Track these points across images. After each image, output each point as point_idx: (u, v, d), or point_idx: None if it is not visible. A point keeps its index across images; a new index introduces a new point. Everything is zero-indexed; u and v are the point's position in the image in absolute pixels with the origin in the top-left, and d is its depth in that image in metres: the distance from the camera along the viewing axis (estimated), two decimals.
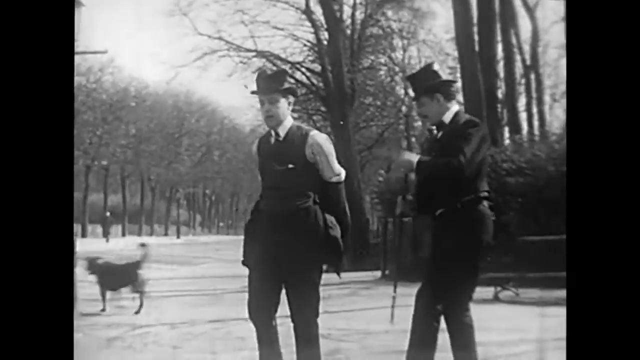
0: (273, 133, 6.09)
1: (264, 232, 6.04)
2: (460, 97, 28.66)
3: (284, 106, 6.06)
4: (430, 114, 6.21)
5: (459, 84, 21.36)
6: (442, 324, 6.05)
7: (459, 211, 5.92)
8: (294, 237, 5.90)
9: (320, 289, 6.16)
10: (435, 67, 6.34)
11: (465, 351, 5.95)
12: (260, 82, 6.16)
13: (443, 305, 5.96)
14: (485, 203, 6.04)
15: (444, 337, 6.06)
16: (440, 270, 5.96)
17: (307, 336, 6.24)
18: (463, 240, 5.91)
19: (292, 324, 6.30)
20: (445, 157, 5.88)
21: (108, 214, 63.85)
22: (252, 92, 6.17)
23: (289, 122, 6.09)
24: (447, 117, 6.14)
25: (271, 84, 6.11)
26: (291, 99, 6.14)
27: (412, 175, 6.20)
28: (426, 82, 6.20)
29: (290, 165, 5.94)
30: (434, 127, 6.28)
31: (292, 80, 35.95)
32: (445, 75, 6.44)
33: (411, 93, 31.31)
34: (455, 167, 5.78)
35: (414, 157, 6.02)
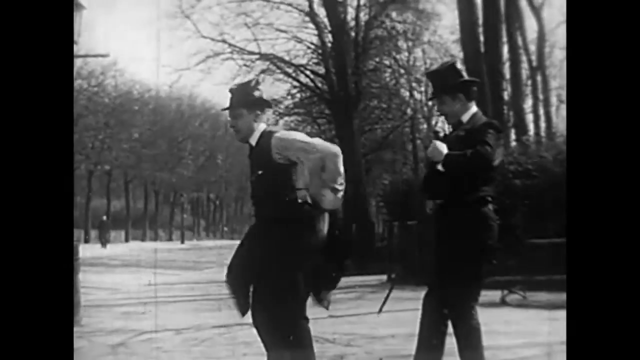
0: (248, 144, 6.15)
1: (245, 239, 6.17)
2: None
3: (249, 119, 6.09)
4: (451, 112, 6.18)
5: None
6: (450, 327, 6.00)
7: (462, 213, 5.87)
8: (265, 248, 5.91)
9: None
10: (458, 65, 6.34)
11: (473, 353, 5.88)
12: (229, 97, 6.20)
13: (449, 308, 5.90)
14: (490, 206, 5.99)
15: (451, 341, 6.00)
16: (445, 273, 5.91)
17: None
18: (467, 243, 5.88)
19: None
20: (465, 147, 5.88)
21: (104, 217, 63.69)
22: (223, 109, 6.22)
23: (259, 130, 6.12)
24: (465, 117, 6.12)
25: (234, 98, 6.17)
26: (258, 111, 6.09)
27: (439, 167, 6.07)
28: (448, 80, 6.14)
29: (260, 172, 6.01)
30: (439, 131, 6.25)
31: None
32: (465, 74, 6.37)
33: (416, 95, 30.92)
34: (483, 155, 5.74)
35: (444, 148, 5.94)
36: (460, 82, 6.17)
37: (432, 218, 6.15)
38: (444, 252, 6.01)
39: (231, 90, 6.26)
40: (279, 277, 5.84)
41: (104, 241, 58.87)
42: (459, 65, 6.35)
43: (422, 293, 6.12)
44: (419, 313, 6.08)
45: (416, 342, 6.09)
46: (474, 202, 5.92)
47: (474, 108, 6.18)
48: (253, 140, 6.11)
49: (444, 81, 6.21)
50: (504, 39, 27.64)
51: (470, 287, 5.97)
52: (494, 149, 5.83)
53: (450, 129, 6.31)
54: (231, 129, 6.18)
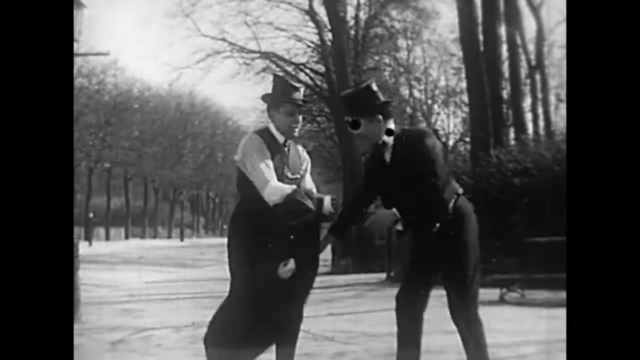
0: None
1: None
2: (465, 97, 28.58)
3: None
4: (371, 135, 6.09)
5: (464, 83, 21.33)
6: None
7: (450, 219, 5.87)
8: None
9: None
10: (374, 87, 6.14)
11: (478, 350, 5.89)
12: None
13: (450, 308, 5.92)
14: (462, 199, 5.97)
15: (451, 340, 6.03)
16: (455, 281, 5.91)
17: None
18: (467, 247, 5.88)
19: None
20: (404, 179, 5.84)
21: (91, 214, 63.45)
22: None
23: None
24: (385, 137, 6.04)
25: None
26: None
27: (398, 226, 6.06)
28: (365, 104, 6.08)
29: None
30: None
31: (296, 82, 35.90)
32: (382, 96, 6.25)
33: (415, 94, 30.91)
34: (432, 193, 5.74)
35: (391, 215, 5.90)
36: (378, 104, 6.06)
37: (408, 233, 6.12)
38: (424, 256, 6.02)
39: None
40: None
41: (90, 238, 58.56)
42: (375, 87, 6.22)
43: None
44: (428, 312, 6.06)
45: (397, 342, 6.08)
46: (455, 205, 5.91)
47: (390, 125, 6.07)
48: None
49: (360, 104, 6.07)
50: (503, 38, 27.64)
51: (471, 288, 5.96)
52: (442, 166, 5.81)
53: (370, 156, 6.30)
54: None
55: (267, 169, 5.95)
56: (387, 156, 6.05)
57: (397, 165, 5.98)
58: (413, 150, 5.86)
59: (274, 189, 5.87)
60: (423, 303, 5.99)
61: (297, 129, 6.21)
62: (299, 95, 6.21)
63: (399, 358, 6.02)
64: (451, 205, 5.86)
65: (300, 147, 6.43)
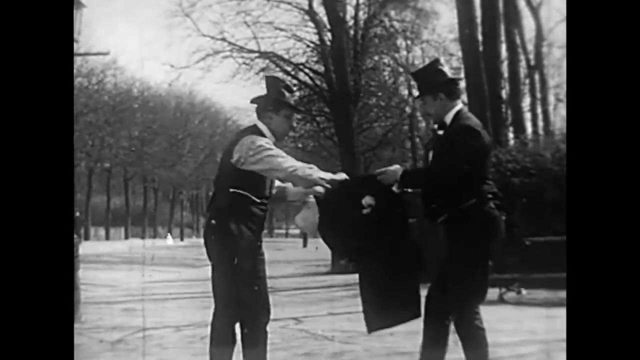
0: None
1: None
2: (464, 97, 28.61)
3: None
4: (433, 112, 6.11)
5: (463, 83, 21.31)
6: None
7: (463, 217, 5.84)
8: None
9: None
10: (441, 64, 6.16)
11: (478, 353, 5.88)
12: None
13: (452, 309, 5.91)
14: (492, 204, 5.94)
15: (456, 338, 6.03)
16: (450, 276, 5.90)
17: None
18: (470, 248, 5.84)
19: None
20: (438, 160, 5.89)
21: (77, 213, 63.18)
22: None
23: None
24: (449, 118, 6.01)
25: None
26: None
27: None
28: (429, 80, 6.10)
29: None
30: (436, 127, 6.21)
31: (295, 82, 35.96)
32: (450, 73, 6.29)
33: (415, 92, 31.18)
34: (435, 177, 5.76)
35: (399, 170, 5.94)
36: (440, 81, 6.05)
37: (429, 219, 6.10)
38: (448, 256, 5.99)
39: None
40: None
41: (79, 236, 58.38)
42: (442, 64, 6.22)
43: (420, 291, 6.13)
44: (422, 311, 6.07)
45: (421, 340, 6.08)
46: (474, 205, 5.88)
47: (457, 107, 6.05)
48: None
49: (425, 81, 6.14)
50: (502, 38, 27.65)
51: (475, 291, 5.95)
52: (457, 161, 5.77)
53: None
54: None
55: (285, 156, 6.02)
56: (441, 133, 6.09)
57: (442, 141, 6.01)
58: (450, 137, 5.90)
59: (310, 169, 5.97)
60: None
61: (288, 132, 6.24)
62: (295, 98, 6.24)
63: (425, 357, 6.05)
64: (468, 204, 5.84)
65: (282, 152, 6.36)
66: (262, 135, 6.12)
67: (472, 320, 5.87)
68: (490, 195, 5.94)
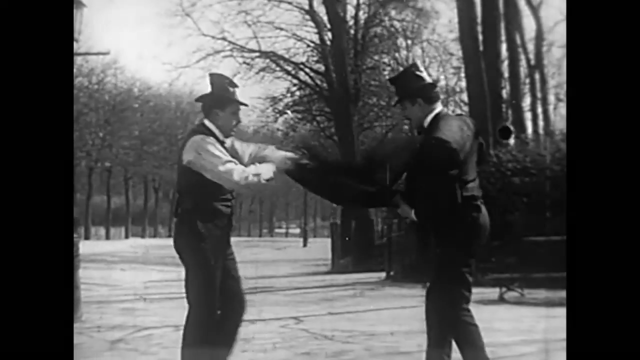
0: None
1: None
2: (464, 96, 28.57)
3: None
4: (413, 117, 6.13)
5: (463, 82, 21.30)
6: None
7: (443, 219, 5.85)
8: None
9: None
10: (418, 69, 6.18)
11: (474, 351, 5.88)
12: None
13: (439, 310, 5.90)
14: (473, 205, 5.93)
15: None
16: (437, 272, 5.91)
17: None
18: (450, 249, 5.85)
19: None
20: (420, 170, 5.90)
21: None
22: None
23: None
24: (427, 122, 6.03)
25: None
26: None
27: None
28: (407, 86, 6.10)
29: None
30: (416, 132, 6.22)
31: (296, 81, 35.96)
32: (427, 77, 6.28)
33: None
34: (438, 193, 5.78)
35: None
36: (417, 87, 6.05)
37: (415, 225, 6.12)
38: (435, 252, 6.00)
39: None
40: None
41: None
42: (419, 69, 6.22)
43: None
44: (424, 310, 6.06)
45: (426, 340, 6.08)
46: (451, 207, 5.88)
47: (435, 111, 6.04)
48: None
49: (403, 86, 6.13)
50: (503, 37, 27.60)
51: (459, 291, 5.95)
52: (434, 175, 5.77)
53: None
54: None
55: (228, 158, 6.05)
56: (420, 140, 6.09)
57: (415, 161, 5.98)
58: (423, 152, 5.88)
59: (249, 170, 5.98)
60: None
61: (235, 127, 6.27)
62: (236, 90, 6.28)
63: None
64: (447, 206, 5.83)
65: (238, 142, 6.50)
66: (211, 133, 6.17)
67: (459, 317, 5.86)
68: (474, 195, 5.93)
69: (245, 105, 6.30)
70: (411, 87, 6.07)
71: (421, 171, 5.85)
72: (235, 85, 6.35)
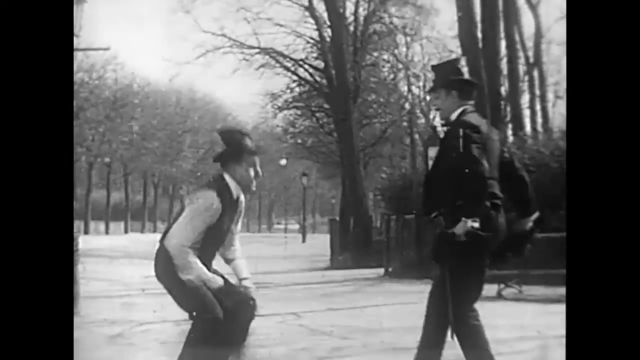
0: None
1: None
2: None
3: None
4: (443, 108, 6.13)
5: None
6: None
7: (459, 215, 5.82)
8: None
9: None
10: (461, 64, 6.25)
11: (478, 352, 5.87)
12: None
13: (449, 307, 5.88)
14: (489, 203, 5.92)
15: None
16: (448, 272, 5.89)
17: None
18: (465, 247, 5.82)
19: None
20: (444, 159, 5.88)
21: None
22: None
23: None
24: (454, 116, 6.06)
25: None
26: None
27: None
28: (445, 75, 6.15)
29: None
30: (437, 126, 6.22)
31: (295, 77, 35.99)
32: (467, 75, 6.30)
33: (414, 90, 30.83)
34: (473, 179, 5.67)
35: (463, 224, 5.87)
36: (456, 79, 6.09)
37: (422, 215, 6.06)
38: (445, 252, 5.95)
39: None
40: None
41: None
42: (462, 63, 6.28)
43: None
44: (424, 306, 6.05)
45: (420, 337, 6.08)
46: (468, 204, 5.85)
47: (463, 107, 6.04)
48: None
49: (442, 75, 6.20)
50: (502, 35, 27.64)
51: (469, 289, 5.93)
52: (468, 154, 5.69)
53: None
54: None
55: (194, 235, 5.92)
56: (444, 131, 6.10)
57: (442, 150, 6.02)
58: (451, 137, 5.88)
59: (191, 261, 5.90)
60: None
61: (255, 181, 6.14)
62: (251, 141, 6.15)
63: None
64: (464, 202, 5.82)
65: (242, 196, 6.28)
66: (227, 190, 6.06)
67: (466, 317, 5.86)
68: (495, 200, 5.91)
69: (258, 153, 6.18)
70: (450, 78, 6.11)
71: (446, 158, 5.83)
72: (246, 135, 6.23)
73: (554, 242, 13.34)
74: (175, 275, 5.94)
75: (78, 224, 57.87)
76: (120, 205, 74.88)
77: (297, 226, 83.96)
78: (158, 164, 75.40)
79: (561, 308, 4.59)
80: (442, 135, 6.11)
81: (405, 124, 41.53)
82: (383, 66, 40.59)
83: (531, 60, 36.37)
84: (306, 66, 35.22)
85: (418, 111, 40.65)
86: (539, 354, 8.43)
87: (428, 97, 42.65)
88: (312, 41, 35.39)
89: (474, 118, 5.98)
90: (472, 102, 6.15)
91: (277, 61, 34.70)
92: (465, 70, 6.26)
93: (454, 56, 6.52)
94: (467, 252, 5.76)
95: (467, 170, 5.69)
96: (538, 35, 36.38)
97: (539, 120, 34.74)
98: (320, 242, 40.03)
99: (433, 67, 6.69)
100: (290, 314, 11.39)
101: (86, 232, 62.74)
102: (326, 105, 35.60)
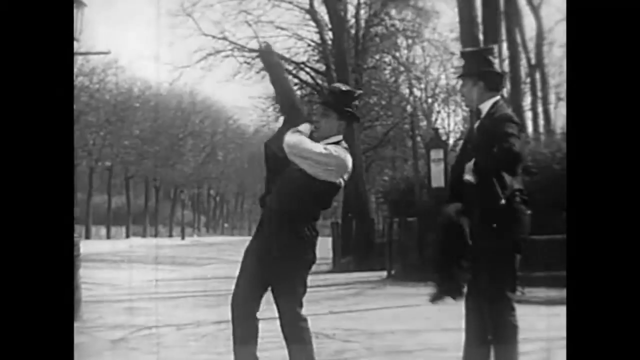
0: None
1: None
2: None
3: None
4: (468, 96, 6.13)
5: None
6: None
7: (493, 212, 5.83)
8: None
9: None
10: (492, 54, 6.21)
11: (507, 347, 5.86)
12: None
13: (486, 304, 5.87)
14: (518, 199, 5.97)
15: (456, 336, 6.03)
16: (482, 270, 5.87)
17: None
18: (499, 240, 5.84)
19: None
20: (480, 149, 5.85)
21: None
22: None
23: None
24: (484, 107, 6.01)
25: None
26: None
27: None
28: (473, 64, 6.12)
29: None
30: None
31: (296, 81, 35.99)
32: (497, 66, 6.24)
33: (416, 92, 30.89)
34: (509, 150, 5.63)
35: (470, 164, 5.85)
36: (483, 70, 6.05)
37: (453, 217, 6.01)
38: (478, 250, 5.93)
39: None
40: None
41: None
42: (493, 55, 6.22)
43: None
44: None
45: (464, 339, 6.06)
46: (506, 200, 5.88)
47: (494, 99, 6.03)
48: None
49: (470, 63, 6.17)
50: (503, 37, 27.65)
51: (505, 281, 5.93)
52: (515, 141, 5.68)
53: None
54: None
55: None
56: (475, 126, 6.10)
57: (480, 130, 6.00)
58: (495, 125, 5.84)
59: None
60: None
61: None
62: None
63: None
64: (499, 200, 5.83)
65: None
66: None
67: (507, 314, 5.85)
68: (518, 192, 5.95)
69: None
70: (478, 68, 6.08)
71: (483, 149, 5.81)
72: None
73: (556, 243, 13.36)
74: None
75: (79, 229, 57.91)
76: (121, 209, 74.86)
77: None
78: (159, 167, 75.40)
79: (564, 310, 4.58)
80: (476, 126, 6.08)
81: (407, 126, 41.51)
82: (384, 69, 40.59)
83: (533, 62, 36.37)
84: (307, 69, 35.23)
85: (420, 113, 40.65)
86: (543, 356, 8.40)
87: (430, 100, 42.85)
88: (313, 44, 35.42)
89: (508, 110, 6.00)
90: (499, 93, 6.12)
91: None
92: (495, 61, 6.20)
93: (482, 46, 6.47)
94: (498, 247, 5.80)
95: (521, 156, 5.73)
96: (540, 37, 36.38)
97: (541, 122, 34.75)
98: (323, 245, 39.99)
99: (462, 53, 6.65)
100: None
101: (87, 236, 62.72)
102: None
